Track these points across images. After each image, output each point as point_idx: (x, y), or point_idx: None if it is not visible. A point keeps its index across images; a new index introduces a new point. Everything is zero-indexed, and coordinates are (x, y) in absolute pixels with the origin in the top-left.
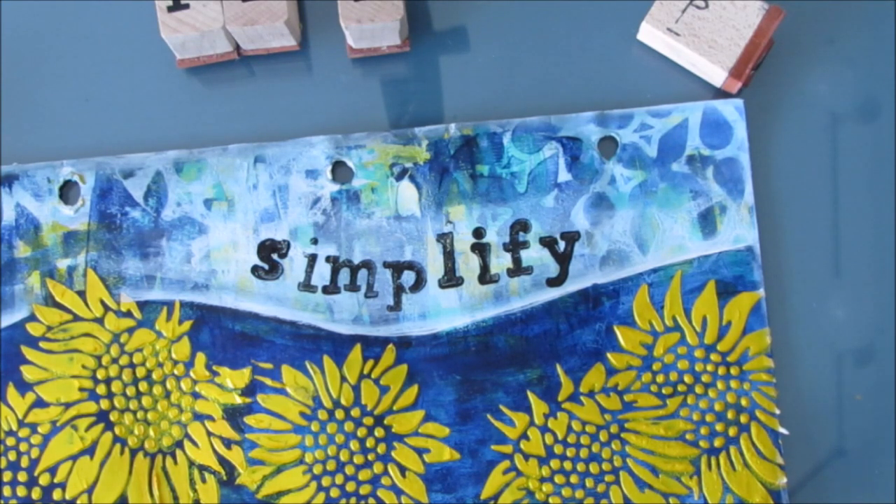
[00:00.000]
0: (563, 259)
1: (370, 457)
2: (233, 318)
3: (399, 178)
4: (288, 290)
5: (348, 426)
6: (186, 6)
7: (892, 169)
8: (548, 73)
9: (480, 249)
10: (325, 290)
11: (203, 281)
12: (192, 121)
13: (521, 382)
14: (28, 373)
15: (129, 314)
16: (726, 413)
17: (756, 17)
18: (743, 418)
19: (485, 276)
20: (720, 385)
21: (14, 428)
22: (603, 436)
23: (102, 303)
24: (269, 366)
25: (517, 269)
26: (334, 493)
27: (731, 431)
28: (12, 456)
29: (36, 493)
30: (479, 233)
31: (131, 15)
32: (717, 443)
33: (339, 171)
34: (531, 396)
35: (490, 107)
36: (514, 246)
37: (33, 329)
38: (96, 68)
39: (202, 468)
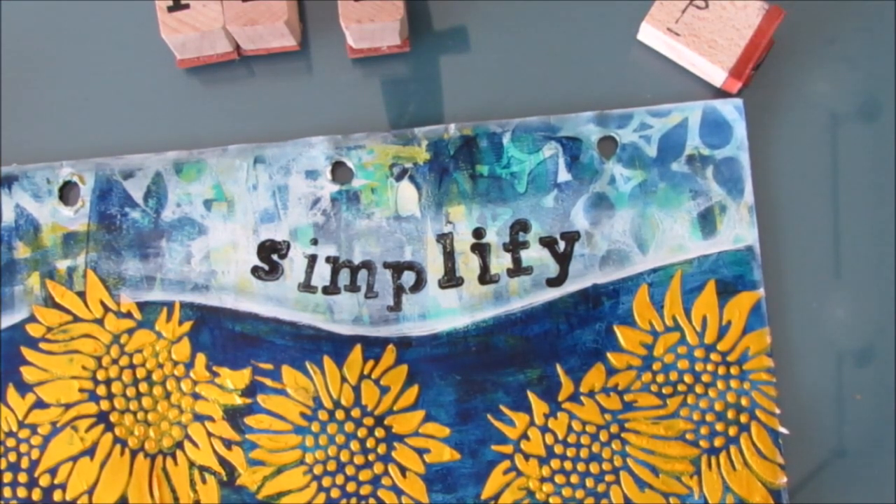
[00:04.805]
0: (563, 259)
1: (370, 457)
2: (233, 319)
3: (399, 178)
4: (288, 290)
5: (349, 427)
6: (186, 6)
7: (892, 169)
8: (548, 74)
9: (480, 250)
10: (326, 290)
11: (203, 282)
12: (192, 121)
13: (521, 382)
14: (28, 374)
15: (128, 315)
16: (726, 412)
17: (756, 17)
18: (743, 418)
19: (485, 277)
20: (720, 385)
21: (14, 429)
22: (603, 436)
23: (102, 304)
24: (269, 366)
25: (517, 270)
26: (335, 493)
27: (732, 431)
28: (12, 457)
29: (36, 495)
30: (478, 233)
31: (131, 15)
32: (718, 442)
33: (339, 171)
34: (531, 396)
35: (490, 107)
36: (514, 246)
37: (33, 330)
38: (96, 68)
39: (202, 469)
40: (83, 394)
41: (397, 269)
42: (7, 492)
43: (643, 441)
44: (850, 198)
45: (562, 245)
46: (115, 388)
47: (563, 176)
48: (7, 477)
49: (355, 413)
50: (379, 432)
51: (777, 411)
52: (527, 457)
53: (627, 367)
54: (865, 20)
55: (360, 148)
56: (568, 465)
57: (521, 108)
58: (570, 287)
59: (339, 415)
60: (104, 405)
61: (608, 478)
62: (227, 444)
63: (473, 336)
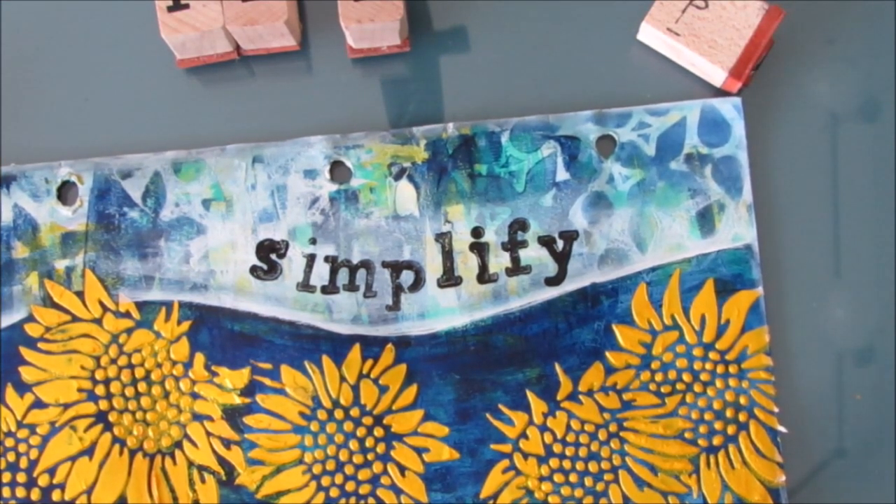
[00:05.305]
0: (562, 258)
1: (369, 456)
2: (232, 319)
3: (397, 177)
4: (287, 290)
5: (347, 426)
6: (186, 6)
7: (892, 169)
8: (548, 74)
9: (479, 249)
10: (324, 289)
11: (202, 281)
12: (192, 121)
13: (520, 382)
14: (26, 374)
15: (127, 315)
16: (725, 411)
17: (756, 17)
18: (742, 416)
19: (483, 276)
20: (719, 383)
21: (13, 429)
22: (602, 434)
23: (101, 303)
24: (268, 366)
25: (516, 269)
26: (334, 492)
27: (730, 430)
28: (11, 457)
29: (35, 494)
30: (477, 232)
31: (131, 15)
32: (716, 441)
33: (338, 170)
34: (530, 395)
35: (491, 107)
36: (513, 245)
37: (32, 330)
38: (96, 68)
39: (201, 468)
40: (82, 393)
41: (396, 268)
42: (6, 492)
43: (642, 440)
44: (850, 198)
45: (560, 244)
46: (114, 387)
47: (562, 175)
48: (6, 477)
49: (354, 412)
50: (378, 431)
51: (776, 410)
52: (526, 456)
53: (626, 365)
54: (865, 20)
55: (358, 147)
56: (567, 464)
57: (522, 108)
58: (568, 286)
59: (338, 414)
60: (103, 405)
61: (607, 476)
62: (226, 443)
63: (472, 335)
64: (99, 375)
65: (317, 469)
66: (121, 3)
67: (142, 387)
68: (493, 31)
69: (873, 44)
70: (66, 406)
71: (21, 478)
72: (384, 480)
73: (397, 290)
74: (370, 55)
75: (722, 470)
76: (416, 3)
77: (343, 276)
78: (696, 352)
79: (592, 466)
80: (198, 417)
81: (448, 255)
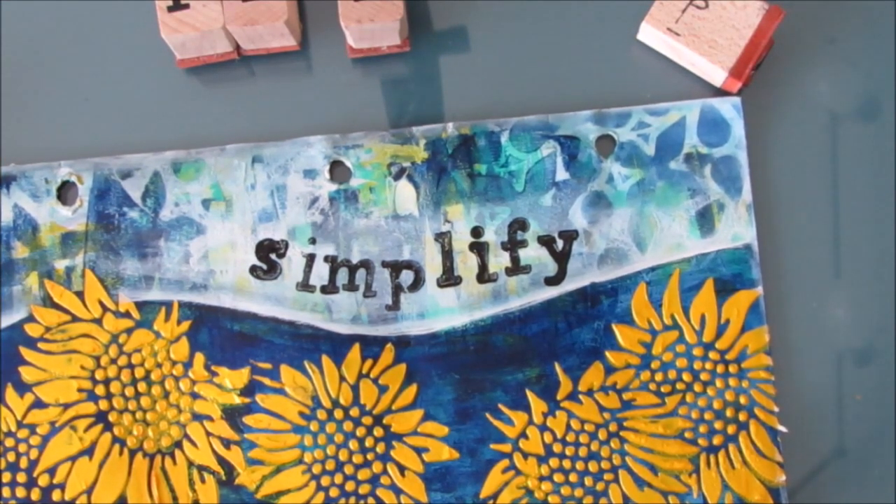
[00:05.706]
0: (562, 258)
1: (369, 456)
2: (231, 319)
3: (397, 177)
4: (286, 289)
5: (347, 426)
6: (186, 6)
7: (892, 169)
8: (548, 74)
9: (479, 248)
10: (324, 289)
11: (201, 281)
12: (192, 121)
13: (519, 381)
14: (26, 374)
15: (127, 315)
16: (725, 411)
17: (756, 17)
18: (742, 416)
19: (483, 276)
20: (719, 383)
21: (13, 429)
22: (602, 434)
23: (101, 303)
24: (267, 366)
25: (515, 268)
26: (333, 492)
27: (730, 429)
28: (11, 457)
29: (35, 494)
30: (477, 232)
31: (131, 15)
32: (716, 441)
33: (337, 170)
34: (530, 395)
35: (491, 107)
36: (513, 245)
37: (32, 330)
38: (96, 68)
39: (201, 468)
40: (82, 393)
41: (396, 268)
42: (6, 492)
43: (642, 440)
44: (850, 198)
45: (560, 244)
46: (114, 387)
47: (562, 175)
48: (6, 477)
49: (354, 412)
50: (378, 431)
51: (776, 409)
52: (525, 455)
53: (626, 365)
54: (865, 20)
55: (358, 147)
56: (567, 464)
57: (521, 108)
58: (568, 286)
59: (338, 414)
60: (103, 405)
61: (607, 476)
62: (226, 443)
63: (472, 335)
64: (99, 375)
65: (316, 469)
66: (121, 3)
67: (142, 387)
68: (493, 31)
69: (873, 44)
70: (66, 406)
71: (21, 478)
72: (384, 480)
73: (397, 289)
74: (370, 55)
75: (722, 469)
76: (416, 3)
77: (343, 276)
78: (696, 351)
79: (592, 466)
80: (198, 417)
81: (448, 255)
